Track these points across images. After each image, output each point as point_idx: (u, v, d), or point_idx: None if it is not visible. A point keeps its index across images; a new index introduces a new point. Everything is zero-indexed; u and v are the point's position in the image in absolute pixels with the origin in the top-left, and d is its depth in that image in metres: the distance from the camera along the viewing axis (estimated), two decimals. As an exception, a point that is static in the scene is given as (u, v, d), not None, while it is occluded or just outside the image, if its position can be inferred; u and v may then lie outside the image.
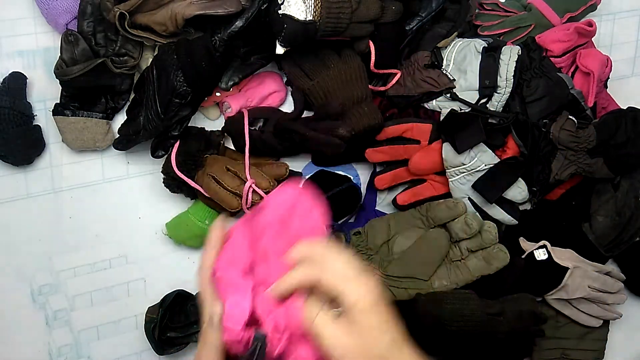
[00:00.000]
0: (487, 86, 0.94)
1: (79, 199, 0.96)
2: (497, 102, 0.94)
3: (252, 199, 0.90)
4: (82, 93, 0.91)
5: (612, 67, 1.03)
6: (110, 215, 0.98)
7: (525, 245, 1.02)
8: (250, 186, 0.89)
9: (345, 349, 0.52)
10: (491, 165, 0.94)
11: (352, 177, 1.00)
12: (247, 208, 0.91)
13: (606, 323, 1.06)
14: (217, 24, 0.87)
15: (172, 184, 0.95)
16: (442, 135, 0.96)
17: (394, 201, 1.00)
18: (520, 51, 0.94)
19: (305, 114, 0.97)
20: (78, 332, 0.98)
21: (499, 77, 0.93)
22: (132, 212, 0.99)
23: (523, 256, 1.00)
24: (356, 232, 0.97)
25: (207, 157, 0.93)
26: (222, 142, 0.97)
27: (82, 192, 0.96)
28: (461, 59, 0.95)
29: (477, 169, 0.94)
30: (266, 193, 0.91)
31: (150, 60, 0.90)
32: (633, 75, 1.13)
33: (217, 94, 0.95)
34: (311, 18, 0.82)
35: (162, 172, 0.94)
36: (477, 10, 1.02)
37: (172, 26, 0.86)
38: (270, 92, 0.97)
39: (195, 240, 0.99)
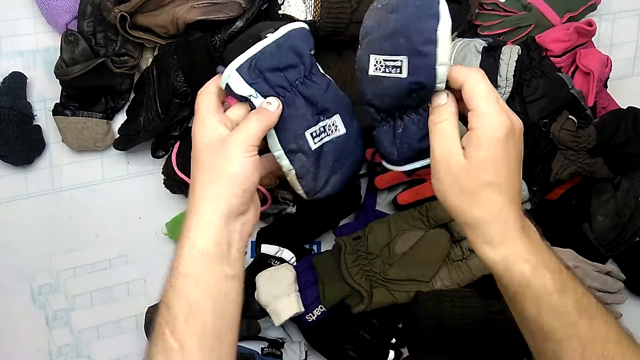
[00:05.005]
0: (487, 86, 0.94)
1: (79, 199, 0.96)
2: (497, 102, 0.94)
3: (253, 198, 0.90)
4: (82, 93, 0.91)
5: (612, 67, 1.03)
6: (110, 215, 0.98)
7: (526, 245, 1.02)
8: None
9: (445, 167, 0.54)
10: (491, 165, 0.94)
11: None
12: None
13: (606, 323, 1.06)
14: (217, 24, 0.87)
15: (173, 184, 0.95)
16: (442, 135, 0.95)
17: (394, 201, 1.00)
18: (520, 51, 0.94)
19: (306, 114, 0.97)
20: (78, 332, 0.98)
21: (499, 77, 0.93)
22: (132, 212, 0.99)
23: (523, 256, 1.00)
24: (356, 236, 0.97)
25: (207, 157, 0.93)
26: (222, 142, 0.97)
27: (82, 192, 0.96)
28: (461, 59, 0.95)
29: (477, 169, 0.94)
30: (268, 190, 0.91)
31: (151, 60, 0.91)
32: (633, 75, 1.13)
33: (217, 94, 0.95)
34: (311, 18, 0.82)
35: (162, 173, 0.94)
36: (477, 10, 1.02)
37: (173, 29, 0.86)
38: (270, 92, 0.97)
39: (196, 240, 0.98)
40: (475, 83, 0.53)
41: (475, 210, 0.54)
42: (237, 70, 0.60)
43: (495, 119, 0.52)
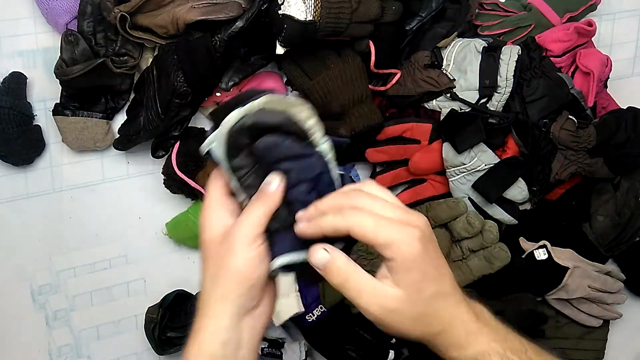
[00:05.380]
0: (487, 86, 0.94)
1: (79, 199, 0.96)
2: (497, 102, 0.94)
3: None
4: (82, 93, 0.91)
5: (612, 67, 1.03)
6: (110, 215, 0.98)
7: (525, 245, 1.02)
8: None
9: (384, 311, 0.50)
10: (491, 165, 0.94)
11: (352, 177, 1.01)
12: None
13: (606, 323, 1.06)
14: (217, 24, 0.87)
15: (173, 184, 0.95)
16: (442, 135, 0.96)
17: (394, 201, 1.00)
18: (520, 51, 0.94)
19: (306, 114, 0.97)
20: (78, 332, 0.98)
21: (499, 77, 0.93)
22: (132, 212, 0.99)
23: (523, 256, 1.00)
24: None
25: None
26: (222, 142, 0.97)
27: (82, 192, 0.96)
28: (461, 58, 0.95)
29: (477, 169, 0.94)
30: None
31: (150, 60, 0.91)
32: (633, 75, 1.13)
33: (218, 94, 0.95)
34: (311, 18, 0.82)
35: (162, 173, 0.94)
36: (477, 10, 1.02)
37: (173, 30, 0.86)
38: (270, 92, 0.97)
39: (195, 240, 0.99)
40: (356, 222, 0.49)
41: (433, 326, 0.52)
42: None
43: (405, 240, 0.48)
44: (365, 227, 0.48)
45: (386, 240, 0.48)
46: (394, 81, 0.96)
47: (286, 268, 0.52)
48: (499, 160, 0.94)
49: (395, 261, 0.48)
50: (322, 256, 0.50)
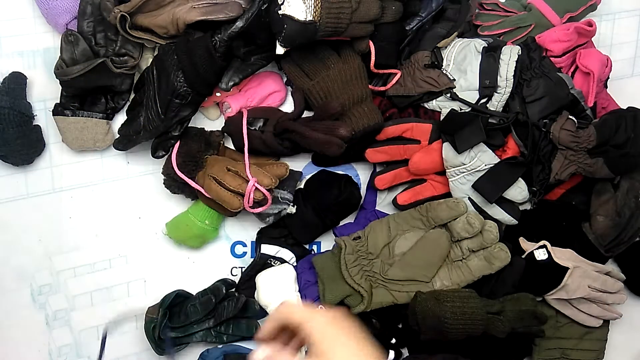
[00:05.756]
0: (487, 86, 0.94)
1: (79, 199, 0.96)
2: (497, 102, 0.94)
3: (254, 197, 0.90)
4: (82, 93, 0.91)
5: (612, 67, 1.03)
6: (110, 215, 0.98)
7: (525, 245, 1.02)
8: (253, 184, 0.89)
9: None
10: (491, 165, 0.94)
11: (352, 177, 1.01)
12: (250, 207, 0.91)
13: (606, 323, 1.06)
14: (217, 24, 0.87)
15: (173, 185, 0.95)
16: (442, 135, 0.95)
17: (394, 201, 1.00)
18: (520, 51, 0.94)
19: (305, 114, 0.97)
20: (78, 332, 0.98)
21: (499, 77, 0.93)
22: (132, 212, 0.99)
23: (523, 256, 1.00)
24: (356, 237, 0.97)
25: (208, 158, 0.93)
26: (222, 142, 0.97)
27: (82, 192, 0.96)
28: (461, 59, 0.95)
29: (477, 169, 0.94)
30: (268, 190, 0.91)
31: (150, 60, 0.91)
32: (633, 75, 1.13)
33: (217, 94, 0.95)
34: (311, 18, 0.82)
35: (162, 173, 0.94)
36: (477, 10, 1.02)
37: (173, 30, 0.86)
38: (270, 92, 0.97)
39: (195, 240, 0.99)
40: (286, 309, 0.59)
41: None
42: None
43: (317, 318, 0.57)
44: (291, 311, 0.59)
45: (301, 319, 0.58)
46: (394, 81, 0.96)
47: None
48: (499, 160, 0.94)
49: (309, 337, 0.57)
50: (260, 353, 0.59)
